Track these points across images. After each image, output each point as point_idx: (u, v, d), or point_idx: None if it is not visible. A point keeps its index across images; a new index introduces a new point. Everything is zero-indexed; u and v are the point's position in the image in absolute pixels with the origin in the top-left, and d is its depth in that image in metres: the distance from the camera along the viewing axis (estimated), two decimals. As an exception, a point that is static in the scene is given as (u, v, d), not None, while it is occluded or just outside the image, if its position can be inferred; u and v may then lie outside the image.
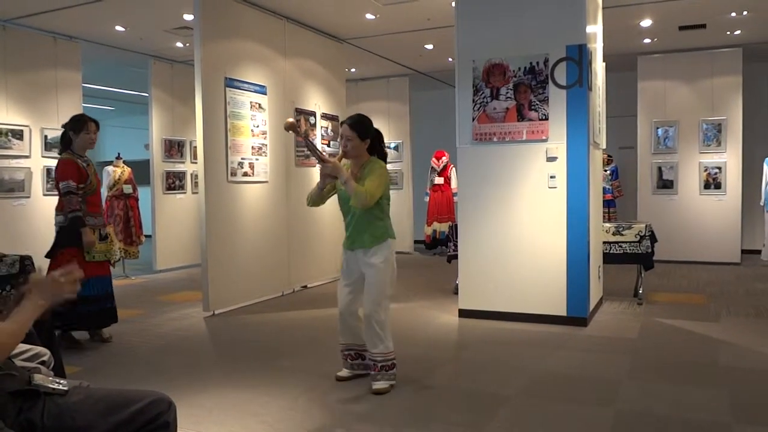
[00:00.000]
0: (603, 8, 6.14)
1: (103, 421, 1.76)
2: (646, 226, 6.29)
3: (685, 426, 3.20)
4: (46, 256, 4.81)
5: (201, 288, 6.19)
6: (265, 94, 6.82)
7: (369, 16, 7.31)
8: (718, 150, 9.03)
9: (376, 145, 3.81)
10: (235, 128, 6.36)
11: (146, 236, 8.94)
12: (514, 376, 4.06)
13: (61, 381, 1.85)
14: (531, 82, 5.45)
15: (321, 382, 3.94)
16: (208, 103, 6.03)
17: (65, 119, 5.13)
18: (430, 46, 8.81)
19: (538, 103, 5.43)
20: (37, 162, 7.40)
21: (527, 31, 5.48)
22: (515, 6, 5.53)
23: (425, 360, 4.47)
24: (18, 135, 7.20)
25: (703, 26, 7.84)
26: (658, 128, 9.35)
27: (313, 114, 7.71)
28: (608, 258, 6.28)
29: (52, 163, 7.32)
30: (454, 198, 10.03)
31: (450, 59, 8.86)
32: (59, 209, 4.89)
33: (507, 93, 5.54)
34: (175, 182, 9.39)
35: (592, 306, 5.59)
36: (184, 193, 9.54)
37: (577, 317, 5.36)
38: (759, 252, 9.50)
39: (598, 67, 5.99)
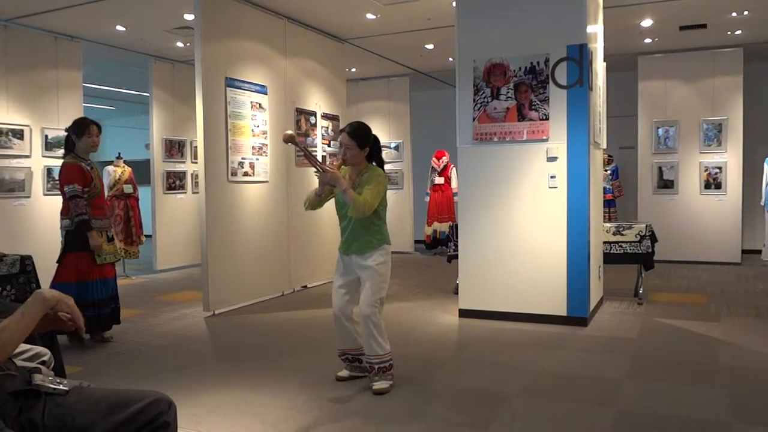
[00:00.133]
0: (603, 8, 6.14)
1: (104, 421, 1.76)
2: (646, 226, 6.29)
3: (685, 426, 3.20)
4: (58, 261, 4.86)
5: (201, 288, 6.19)
6: (265, 93, 6.82)
7: (369, 16, 7.31)
8: (719, 150, 9.03)
9: (374, 152, 3.83)
10: (236, 128, 6.36)
11: (146, 236, 8.95)
12: (514, 376, 4.06)
13: (62, 381, 1.85)
14: (531, 82, 5.45)
15: (321, 382, 3.95)
16: (209, 102, 6.04)
17: (66, 119, 5.15)
18: (430, 46, 8.81)
19: (538, 102, 5.43)
20: (37, 162, 7.40)
21: (528, 31, 5.48)
22: (516, 6, 5.53)
23: (425, 360, 4.48)
24: (18, 135, 7.20)
25: (704, 26, 7.83)
26: (658, 128, 9.35)
27: (314, 114, 7.71)
28: (608, 258, 6.28)
29: (53, 163, 7.36)
30: (455, 198, 10.03)
31: (450, 59, 8.86)
32: (64, 213, 4.90)
33: (507, 93, 5.54)
34: (175, 182, 9.40)
35: (592, 306, 5.59)
36: (185, 192, 9.54)
37: (577, 317, 5.37)
38: (759, 252, 9.50)
39: (599, 66, 5.99)
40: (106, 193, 8.06)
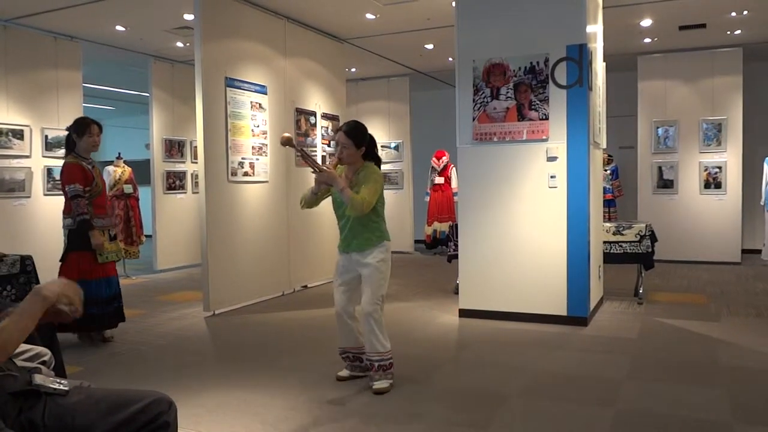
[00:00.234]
0: (603, 8, 6.14)
1: (104, 421, 1.76)
2: (646, 225, 6.29)
3: (685, 426, 3.21)
4: (60, 261, 4.88)
5: (201, 288, 6.19)
6: (265, 93, 6.82)
7: (369, 15, 7.31)
8: (719, 150, 9.03)
9: (370, 151, 3.84)
10: (236, 128, 6.36)
11: (147, 236, 8.96)
12: (514, 376, 4.06)
13: (62, 381, 1.85)
14: (531, 82, 5.45)
15: (321, 382, 3.95)
16: (209, 102, 6.04)
17: (66, 119, 5.16)
18: (430, 46, 8.81)
19: (538, 102, 5.43)
20: (37, 162, 7.40)
21: (527, 31, 5.48)
22: (515, 6, 5.53)
23: (425, 360, 4.48)
24: (18, 135, 7.20)
25: (704, 26, 7.84)
26: (658, 128, 9.35)
27: (314, 114, 7.71)
28: (608, 258, 6.29)
29: (53, 163, 7.36)
30: (455, 198, 10.03)
31: (450, 59, 8.86)
32: (67, 212, 4.91)
33: (507, 93, 5.54)
34: (175, 182, 9.40)
35: (592, 306, 5.59)
36: (185, 192, 9.54)
37: (577, 317, 5.37)
38: (759, 252, 9.50)
39: (599, 66, 5.99)
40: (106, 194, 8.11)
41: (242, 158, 6.44)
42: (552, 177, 5.41)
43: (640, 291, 6.40)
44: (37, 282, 4.63)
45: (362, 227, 3.75)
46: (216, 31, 6.16)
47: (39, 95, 7.47)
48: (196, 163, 8.27)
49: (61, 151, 6.80)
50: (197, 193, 8.46)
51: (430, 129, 11.50)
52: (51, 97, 7.60)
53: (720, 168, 9.02)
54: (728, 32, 8.18)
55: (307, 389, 3.82)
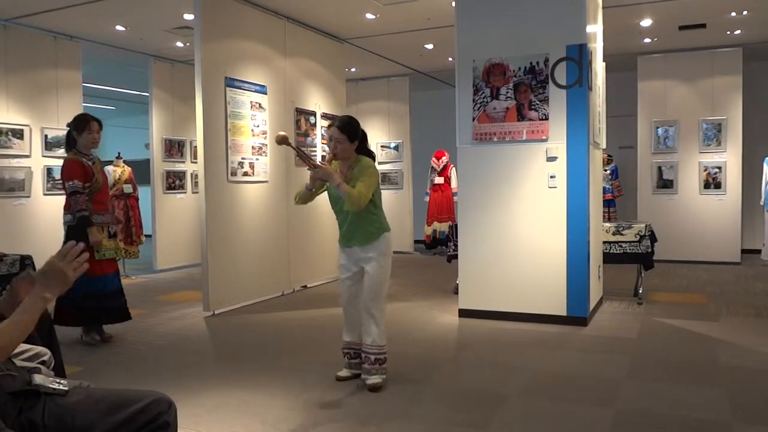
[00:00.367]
0: (603, 8, 6.14)
1: (104, 421, 1.76)
2: (646, 225, 6.29)
3: (685, 425, 3.21)
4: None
5: (201, 288, 6.19)
6: (265, 93, 6.82)
7: (369, 15, 7.31)
8: (718, 150, 9.03)
9: (362, 145, 3.86)
10: (236, 128, 6.36)
11: (146, 236, 8.96)
12: (514, 376, 4.06)
13: (62, 381, 1.85)
14: (531, 82, 5.45)
15: (321, 382, 3.95)
16: (209, 102, 6.04)
17: (65, 119, 5.16)
18: (430, 46, 8.81)
19: (538, 102, 5.43)
20: (37, 161, 7.40)
21: (527, 31, 5.48)
22: (515, 6, 5.53)
23: (425, 360, 4.48)
24: (18, 134, 7.20)
25: (703, 26, 7.84)
26: (658, 128, 9.35)
27: (313, 114, 7.71)
28: (608, 258, 6.29)
29: (53, 162, 7.37)
30: (454, 198, 10.03)
31: (450, 59, 8.86)
32: (67, 208, 4.91)
33: (507, 93, 5.54)
34: (175, 182, 9.40)
35: (592, 306, 5.59)
36: (185, 192, 9.54)
37: (577, 317, 5.37)
38: (759, 252, 9.50)
39: (598, 66, 5.99)
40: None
41: (242, 158, 6.44)
42: (552, 177, 5.41)
43: (640, 291, 6.40)
44: None
45: (361, 220, 3.76)
46: (216, 31, 6.16)
47: (39, 95, 7.47)
48: (196, 162, 8.27)
49: (61, 151, 6.80)
50: (197, 192, 8.45)
51: (429, 129, 11.50)
52: (51, 96, 7.60)
53: (720, 168, 9.02)
54: (728, 32, 8.18)
55: (307, 389, 3.83)
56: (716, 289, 7.08)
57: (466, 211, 5.80)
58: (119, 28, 7.56)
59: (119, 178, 8.43)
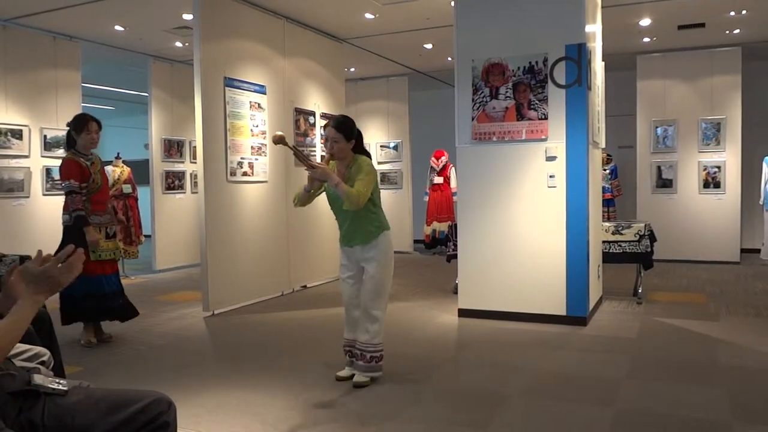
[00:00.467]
0: (602, 7, 6.14)
1: (103, 421, 1.76)
2: (645, 225, 6.30)
3: (685, 425, 3.21)
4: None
5: (201, 288, 6.19)
6: (264, 93, 6.82)
7: (368, 15, 7.31)
8: (718, 149, 9.03)
9: (358, 144, 3.87)
10: (235, 128, 6.36)
11: (146, 236, 8.95)
12: (514, 376, 4.06)
13: (61, 381, 1.85)
14: (530, 82, 5.45)
15: (321, 382, 3.95)
16: (208, 102, 6.03)
17: (65, 119, 5.15)
18: (429, 46, 8.81)
19: (537, 102, 5.43)
20: (36, 162, 7.40)
21: (526, 31, 5.48)
22: (514, 5, 5.53)
23: (425, 360, 4.48)
24: (17, 135, 7.20)
25: (702, 25, 7.84)
26: (657, 127, 9.36)
27: (313, 114, 7.71)
28: (608, 257, 6.29)
29: (52, 163, 7.36)
30: (454, 197, 10.03)
31: (449, 59, 8.86)
32: (65, 209, 4.91)
33: (506, 92, 5.54)
34: (174, 182, 9.39)
35: (591, 305, 5.60)
36: (184, 192, 9.54)
37: (576, 317, 5.37)
38: (758, 251, 9.50)
39: (598, 66, 6.00)
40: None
41: (241, 158, 6.44)
42: (551, 176, 5.41)
43: (640, 290, 6.40)
44: None
45: (361, 220, 3.77)
46: (215, 31, 6.16)
47: (38, 95, 7.46)
48: (195, 163, 8.27)
49: (60, 151, 6.80)
50: (196, 193, 8.45)
51: (429, 129, 11.50)
52: (50, 96, 7.60)
53: (719, 167, 9.02)
54: (727, 32, 8.19)
55: (307, 389, 3.82)
56: (716, 288, 7.08)
57: (465, 210, 5.80)
58: (118, 28, 7.56)
59: (118, 179, 8.42)
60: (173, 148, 9.37)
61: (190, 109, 6.68)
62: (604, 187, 9.06)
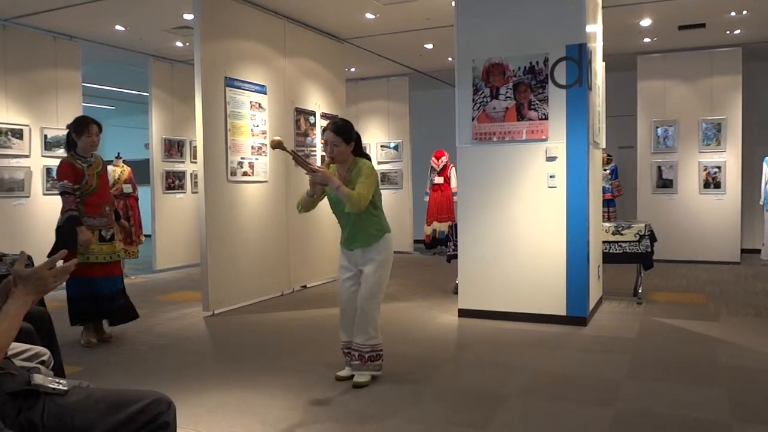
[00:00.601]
0: (603, 8, 6.14)
1: (103, 421, 1.76)
2: (645, 225, 6.29)
3: (685, 425, 3.21)
4: (48, 257, 4.81)
5: (201, 288, 6.19)
6: (264, 93, 6.82)
7: (369, 15, 7.31)
8: (718, 149, 9.03)
9: (358, 147, 3.88)
10: (235, 128, 6.36)
11: (146, 236, 8.95)
12: (514, 376, 4.06)
13: (61, 381, 1.85)
14: (531, 82, 5.45)
15: (321, 382, 3.95)
16: (208, 102, 6.03)
17: (65, 119, 5.14)
18: (429, 46, 8.81)
19: (537, 102, 5.43)
20: (36, 161, 7.40)
21: (527, 31, 5.48)
22: (515, 5, 5.53)
23: (425, 360, 4.48)
24: (18, 134, 7.20)
25: (703, 26, 7.84)
26: (657, 127, 9.35)
27: (313, 114, 7.71)
28: (608, 257, 6.29)
29: (52, 162, 7.36)
30: (454, 198, 10.03)
31: (450, 59, 8.86)
32: (63, 211, 4.91)
33: (507, 92, 5.54)
34: (174, 182, 9.39)
35: (591, 305, 5.60)
36: (184, 192, 9.54)
37: (576, 317, 5.37)
38: (758, 251, 9.51)
39: (598, 66, 5.99)
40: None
41: (241, 158, 6.44)
42: (551, 177, 5.41)
43: (640, 291, 6.40)
44: None
45: (363, 222, 3.79)
46: (215, 31, 6.16)
47: (38, 95, 7.47)
48: (196, 162, 8.27)
49: (61, 151, 6.80)
50: (196, 192, 8.44)
51: (429, 129, 11.50)
52: (50, 96, 7.60)
53: (719, 168, 9.02)
54: (727, 32, 8.19)
55: (307, 389, 3.82)
56: (716, 288, 7.08)
57: (465, 210, 5.80)
58: (119, 27, 7.56)
59: (119, 178, 8.42)
60: (173, 148, 9.37)
61: (191, 109, 6.68)
62: (604, 188, 9.06)
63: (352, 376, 3.95)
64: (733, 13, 7.35)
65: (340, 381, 3.94)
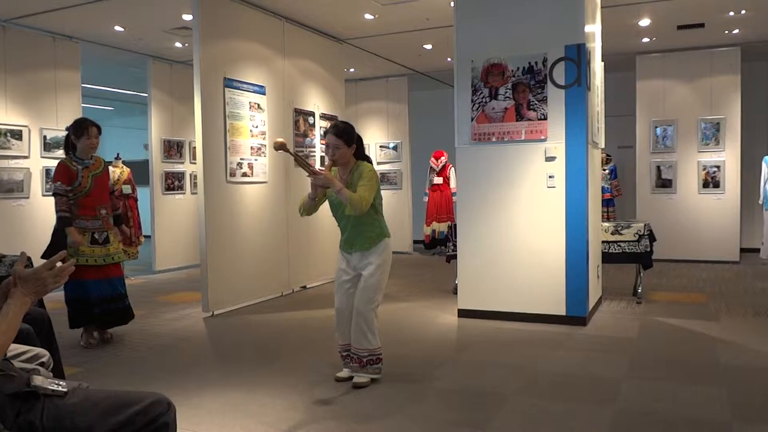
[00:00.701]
0: (601, 8, 6.14)
1: (103, 422, 1.76)
2: (644, 225, 6.30)
3: (685, 424, 3.21)
4: (42, 257, 4.81)
5: (200, 288, 6.19)
6: (264, 94, 6.82)
7: (368, 16, 7.31)
8: (717, 149, 9.04)
9: (360, 150, 3.89)
10: (234, 128, 6.36)
11: (145, 237, 8.95)
12: (514, 376, 4.06)
13: (60, 382, 1.85)
14: (530, 82, 5.45)
15: (321, 382, 3.95)
16: (207, 103, 6.03)
17: (64, 120, 5.14)
18: (428, 46, 8.81)
19: (536, 102, 5.43)
20: (36, 162, 7.40)
21: (526, 31, 5.48)
22: (514, 6, 5.54)
23: (424, 360, 4.48)
24: (17, 135, 7.20)
25: (702, 25, 7.85)
26: (656, 127, 9.36)
27: (312, 114, 7.71)
28: (607, 257, 6.29)
29: (51, 163, 7.36)
30: (453, 198, 10.03)
31: (449, 59, 8.86)
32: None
33: (506, 93, 5.54)
34: (174, 183, 9.39)
35: (591, 305, 5.60)
36: (183, 193, 9.54)
37: (576, 317, 5.37)
38: (758, 250, 9.49)
39: (597, 66, 6.00)
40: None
41: (241, 159, 6.44)
42: (550, 177, 5.41)
43: (639, 290, 6.40)
44: None
45: (363, 226, 3.79)
46: (215, 32, 6.16)
47: (37, 96, 7.46)
48: (195, 163, 8.27)
49: (60, 152, 6.79)
50: (196, 193, 8.46)
51: (428, 129, 11.50)
52: (49, 97, 7.60)
53: (718, 167, 9.03)
54: (726, 31, 8.19)
55: (306, 389, 3.83)
56: (715, 288, 7.08)
57: (465, 211, 5.80)
58: (118, 28, 7.56)
59: (118, 179, 8.41)
60: (173, 149, 9.37)
61: (190, 110, 6.69)
62: (603, 187, 9.07)
63: (352, 376, 3.95)
64: (731, 13, 7.36)
65: (339, 381, 3.94)
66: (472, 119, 5.66)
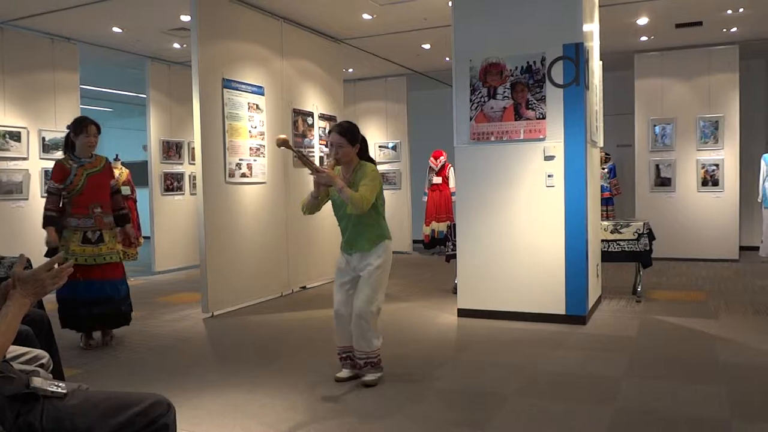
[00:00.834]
0: (599, 6, 6.14)
1: (103, 423, 1.76)
2: (644, 223, 6.30)
3: (684, 423, 3.21)
4: (45, 256, 4.82)
5: (200, 289, 6.19)
6: (262, 94, 6.82)
7: (366, 16, 7.31)
8: (716, 147, 9.04)
9: (364, 150, 3.89)
10: (233, 129, 6.36)
11: (145, 238, 8.94)
12: (514, 375, 4.06)
13: (60, 384, 1.85)
14: (528, 81, 5.46)
15: (320, 383, 3.95)
16: (206, 104, 6.03)
17: (63, 121, 5.14)
18: (427, 46, 8.81)
19: (535, 102, 5.43)
20: (34, 164, 7.39)
21: (524, 30, 5.48)
22: (512, 5, 5.54)
23: (424, 360, 4.48)
24: (16, 137, 7.19)
25: (700, 23, 7.85)
26: (655, 126, 9.36)
27: (311, 114, 7.71)
28: (606, 256, 6.29)
29: (50, 165, 7.34)
30: (453, 197, 10.03)
31: (447, 59, 8.85)
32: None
33: (504, 92, 5.54)
34: (173, 183, 9.39)
35: (590, 304, 5.60)
36: (183, 194, 9.54)
37: (575, 315, 5.37)
38: (757, 248, 9.49)
39: (595, 65, 6.00)
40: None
41: (240, 159, 6.44)
42: (549, 176, 5.41)
43: (639, 289, 6.41)
44: None
45: (364, 227, 3.79)
46: (213, 33, 6.16)
47: (36, 97, 7.46)
48: (194, 164, 8.25)
49: (59, 153, 6.79)
50: (195, 194, 8.44)
51: (427, 129, 11.49)
52: (48, 98, 7.59)
53: (717, 165, 9.03)
54: (724, 30, 8.20)
55: (306, 390, 3.83)
56: (715, 286, 7.09)
57: (464, 210, 5.80)
58: (116, 29, 7.56)
59: (117, 180, 8.41)
60: (172, 150, 9.37)
61: (189, 111, 6.68)
62: (602, 186, 9.07)
63: (352, 377, 3.95)
64: (730, 11, 7.36)
65: (339, 382, 3.94)
66: (471, 119, 5.66)
